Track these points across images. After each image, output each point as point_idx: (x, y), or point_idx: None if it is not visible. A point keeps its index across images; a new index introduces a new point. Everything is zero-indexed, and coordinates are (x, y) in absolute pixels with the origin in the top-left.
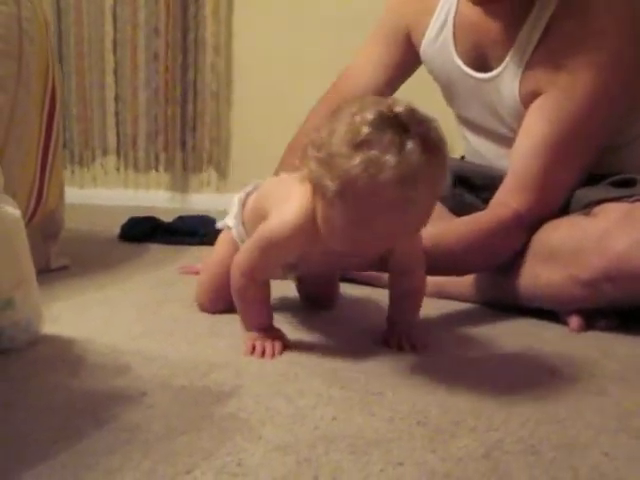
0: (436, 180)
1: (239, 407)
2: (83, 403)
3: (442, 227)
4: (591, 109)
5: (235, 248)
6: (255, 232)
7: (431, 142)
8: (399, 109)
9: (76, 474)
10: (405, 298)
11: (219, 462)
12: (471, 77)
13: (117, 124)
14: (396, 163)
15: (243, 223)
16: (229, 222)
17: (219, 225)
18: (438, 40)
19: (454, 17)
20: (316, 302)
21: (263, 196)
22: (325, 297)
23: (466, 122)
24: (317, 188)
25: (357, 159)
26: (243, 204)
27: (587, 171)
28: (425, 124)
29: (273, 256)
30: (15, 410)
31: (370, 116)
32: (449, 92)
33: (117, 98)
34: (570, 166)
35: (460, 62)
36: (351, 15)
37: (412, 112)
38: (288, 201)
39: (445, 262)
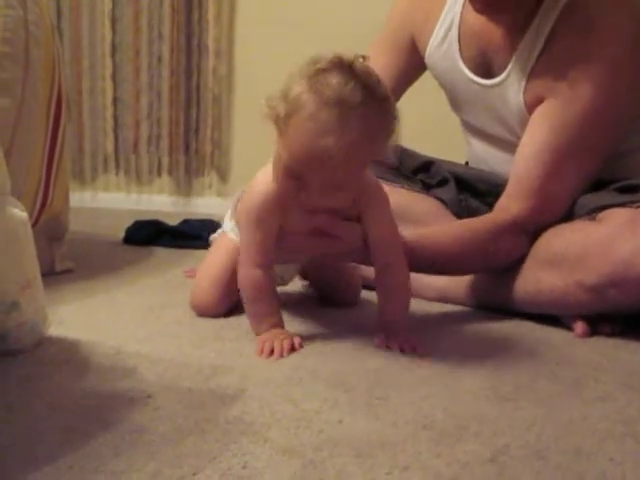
0: (371, 126)
1: (244, 410)
2: (89, 405)
3: (440, 227)
4: (593, 117)
5: (229, 248)
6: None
7: (374, 93)
8: (356, 62)
9: (82, 476)
10: (391, 295)
11: (224, 465)
12: (476, 83)
13: (116, 129)
14: (337, 88)
15: (236, 223)
16: (224, 227)
17: (211, 238)
18: (443, 46)
19: (459, 23)
20: (337, 303)
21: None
22: (345, 298)
23: (471, 128)
24: (276, 124)
25: (306, 82)
26: (235, 206)
27: (592, 179)
28: (374, 80)
29: (262, 228)
30: (21, 412)
31: (329, 57)
32: (454, 98)
33: (116, 102)
34: (572, 174)
35: (465, 68)
36: (354, 20)
37: (367, 70)
38: (254, 181)
39: (439, 261)
